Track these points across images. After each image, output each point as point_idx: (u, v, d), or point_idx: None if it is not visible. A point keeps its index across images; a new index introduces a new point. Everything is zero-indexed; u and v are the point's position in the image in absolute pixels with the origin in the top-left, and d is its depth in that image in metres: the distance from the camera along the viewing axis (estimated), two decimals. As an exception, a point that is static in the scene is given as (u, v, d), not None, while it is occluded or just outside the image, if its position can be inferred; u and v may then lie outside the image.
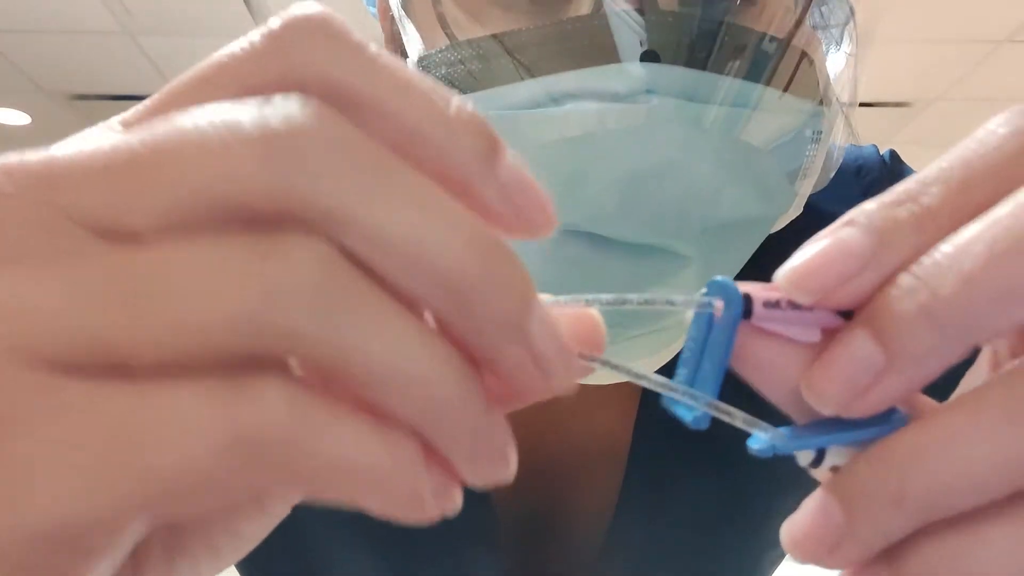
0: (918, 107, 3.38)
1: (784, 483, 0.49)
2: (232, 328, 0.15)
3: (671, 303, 0.20)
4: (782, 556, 0.56)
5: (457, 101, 0.18)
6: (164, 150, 0.16)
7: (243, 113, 0.16)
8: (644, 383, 0.20)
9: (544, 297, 0.19)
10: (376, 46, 0.18)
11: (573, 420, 0.49)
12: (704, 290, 0.20)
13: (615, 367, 0.20)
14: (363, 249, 0.16)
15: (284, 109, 0.16)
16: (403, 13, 0.39)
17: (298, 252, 0.15)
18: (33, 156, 0.16)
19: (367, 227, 0.16)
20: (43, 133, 3.59)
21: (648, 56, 0.31)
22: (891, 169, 0.50)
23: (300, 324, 0.15)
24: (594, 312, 0.20)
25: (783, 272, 0.20)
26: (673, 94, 0.32)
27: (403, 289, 0.17)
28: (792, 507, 0.54)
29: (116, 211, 0.16)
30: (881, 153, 0.51)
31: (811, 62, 0.36)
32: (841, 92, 0.39)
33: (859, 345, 0.19)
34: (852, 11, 0.40)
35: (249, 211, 0.16)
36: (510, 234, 0.19)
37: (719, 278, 0.20)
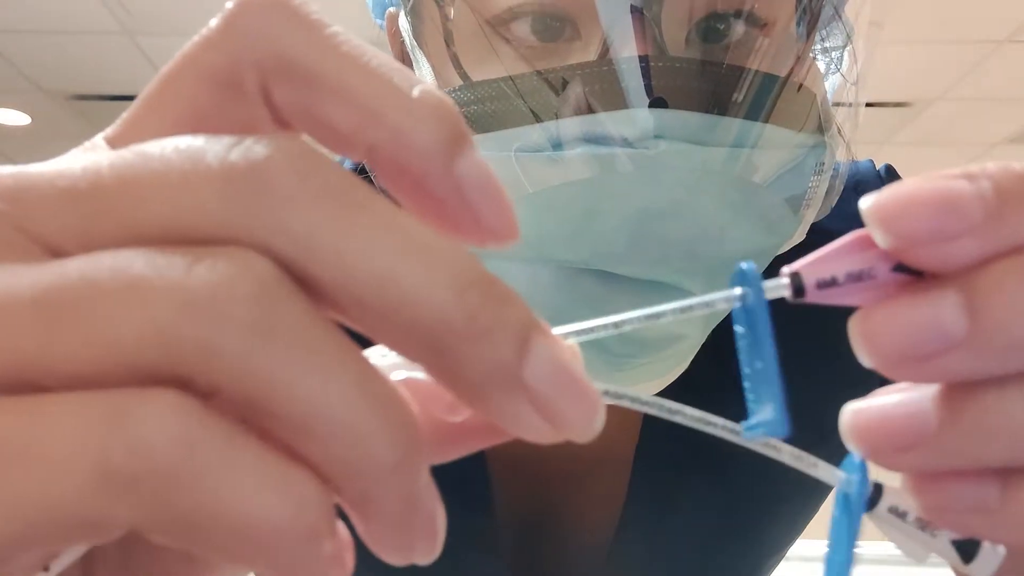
0: (918, 107, 3.38)
1: (785, 491, 0.49)
2: (143, 341, 0.14)
3: (707, 305, 0.18)
4: (779, 560, 0.56)
5: (423, 85, 0.17)
6: (126, 178, 0.15)
7: (209, 145, 0.15)
8: (650, 410, 0.19)
9: (558, 330, 0.18)
10: (337, 26, 0.18)
11: None
12: (738, 289, 0.18)
13: (621, 396, 0.18)
14: (328, 290, 0.15)
15: (250, 143, 0.15)
16: (415, 44, 0.39)
17: (229, 265, 0.14)
18: (5, 170, 0.16)
19: (331, 267, 0.15)
20: (43, 133, 3.59)
21: (656, 103, 0.32)
22: (887, 184, 0.49)
23: (216, 341, 0.14)
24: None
25: (869, 200, 0.17)
26: (680, 138, 0.32)
27: (376, 337, 0.16)
28: (791, 514, 0.54)
29: (71, 234, 0.15)
30: (877, 168, 0.51)
31: (812, 95, 0.36)
32: (842, 101, 0.39)
33: (945, 306, 0.16)
34: (850, 36, 0.40)
35: (207, 243, 0.15)
36: (464, 239, 0.17)
37: (744, 266, 0.18)
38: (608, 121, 0.32)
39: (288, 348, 0.14)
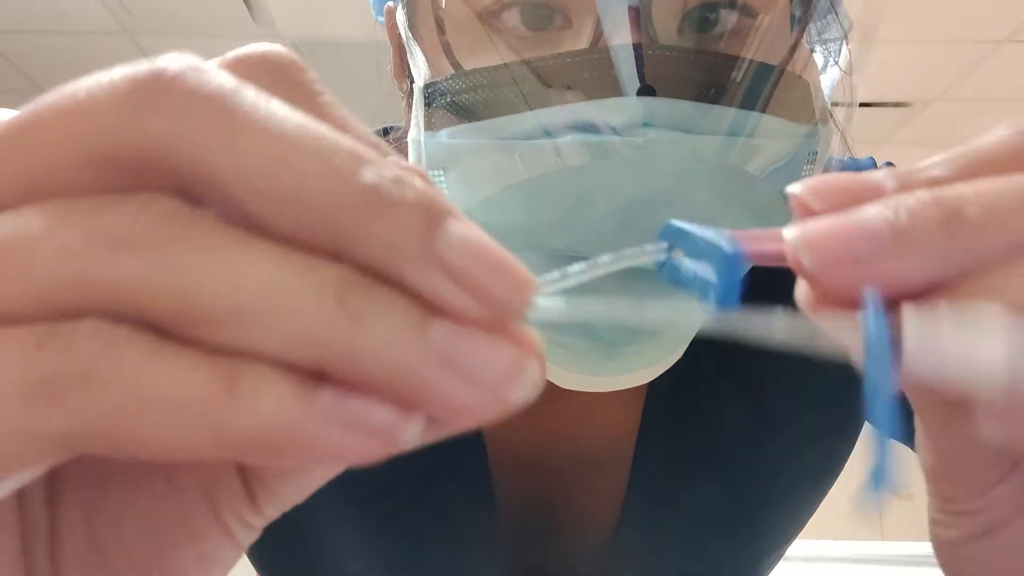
0: (918, 107, 3.38)
1: (785, 487, 0.49)
2: (58, 276, 0.15)
3: (642, 252, 0.19)
4: (779, 557, 0.56)
5: (373, 165, 0.16)
6: (34, 120, 0.16)
7: (112, 75, 0.17)
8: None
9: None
10: (279, 106, 0.16)
11: (577, 424, 0.49)
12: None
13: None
14: (229, 189, 0.15)
15: (152, 64, 0.16)
16: (410, 35, 0.40)
17: (131, 204, 0.15)
18: None
19: (226, 163, 0.15)
20: (43, 133, 3.58)
21: (644, 90, 0.32)
22: None
23: (125, 266, 0.15)
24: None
25: (795, 231, 0.19)
26: (669, 126, 0.33)
27: (282, 228, 0.16)
28: (791, 511, 0.54)
29: None
30: (878, 165, 0.51)
31: (806, 85, 0.36)
32: (840, 97, 0.39)
33: (872, 215, 0.18)
34: (848, 27, 0.41)
35: (116, 166, 0.16)
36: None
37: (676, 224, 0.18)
38: (598, 109, 0.33)
39: (197, 258, 0.15)
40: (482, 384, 0.16)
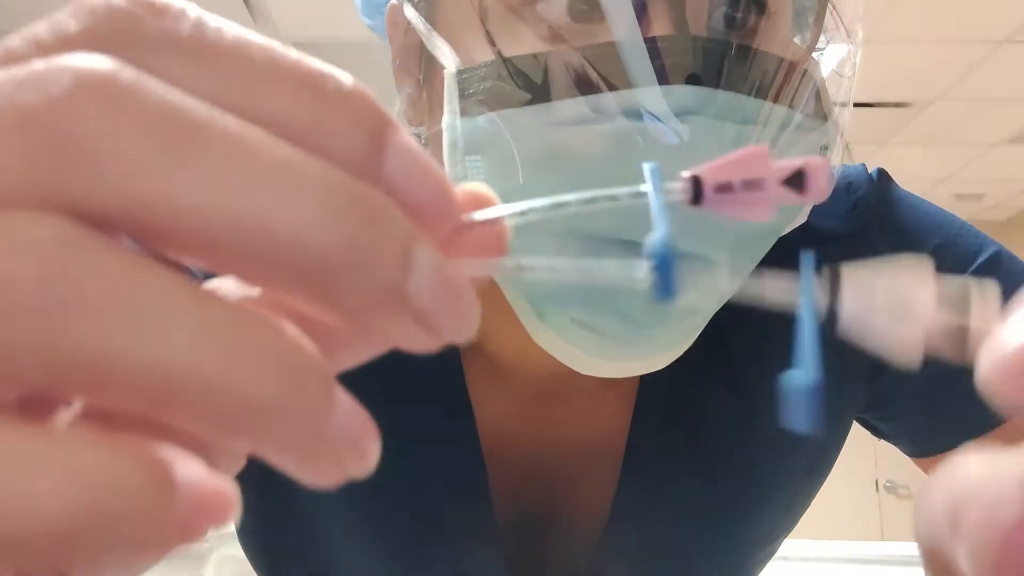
0: (918, 107, 3.38)
1: (776, 481, 0.50)
2: None
3: (612, 198, 0.19)
4: (772, 552, 0.56)
5: (317, 71, 0.15)
6: None
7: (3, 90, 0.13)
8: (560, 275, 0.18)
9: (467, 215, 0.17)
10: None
11: (571, 418, 0.50)
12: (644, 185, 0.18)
13: (522, 269, 0.17)
14: (173, 237, 0.13)
15: (44, 72, 0.13)
16: (431, 28, 0.40)
17: (21, 236, 0.12)
18: None
19: (168, 212, 0.13)
20: (43, 133, 3.58)
21: (691, 79, 0.34)
22: (880, 187, 0.51)
23: (17, 330, 0.12)
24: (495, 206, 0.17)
25: (991, 362, 0.15)
26: (711, 115, 0.34)
27: (244, 279, 0.14)
28: (782, 505, 0.55)
29: None
30: (870, 171, 0.52)
31: (821, 82, 0.38)
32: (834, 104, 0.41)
33: None
34: (850, 32, 0.42)
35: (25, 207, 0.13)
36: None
37: (648, 166, 0.18)
38: (644, 96, 0.33)
39: (96, 315, 0.12)
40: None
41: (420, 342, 0.16)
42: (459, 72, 0.37)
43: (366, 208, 0.14)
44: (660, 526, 0.50)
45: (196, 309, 0.13)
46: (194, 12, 0.15)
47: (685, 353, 0.42)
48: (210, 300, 0.13)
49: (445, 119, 0.37)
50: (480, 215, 0.17)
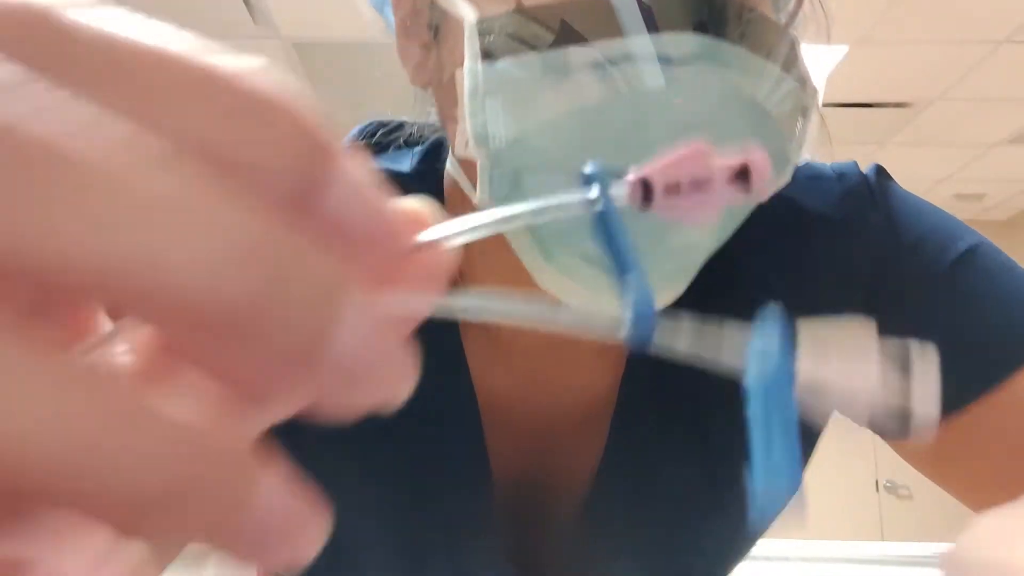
0: (918, 107, 3.38)
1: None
2: None
3: (560, 208, 0.17)
4: (756, 537, 0.57)
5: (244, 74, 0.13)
6: None
7: None
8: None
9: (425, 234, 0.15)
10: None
11: (564, 383, 0.51)
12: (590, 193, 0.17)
13: (461, 310, 0.16)
14: (55, 282, 0.11)
15: None
16: None
17: None
18: None
19: (53, 262, 0.11)
20: (43, 134, 3.58)
21: (698, 27, 0.36)
22: (876, 180, 0.52)
23: None
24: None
25: None
26: (715, 62, 0.36)
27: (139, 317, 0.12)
28: None
29: None
30: (867, 169, 0.53)
31: (799, 46, 0.41)
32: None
33: None
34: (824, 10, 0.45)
35: None
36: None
37: (588, 169, 0.17)
38: (656, 42, 0.36)
39: None
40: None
41: (341, 409, 0.14)
42: (480, 20, 0.38)
43: (277, 254, 0.12)
44: (647, 491, 0.51)
45: (54, 389, 0.11)
46: (104, 13, 0.13)
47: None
48: (81, 376, 0.11)
49: (467, 65, 0.38)
50: (425, 236, 0.16)
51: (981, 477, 0.47)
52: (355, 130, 0.54)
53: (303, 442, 0.40)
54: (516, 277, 0.41)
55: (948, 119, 3.46)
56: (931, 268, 0.48)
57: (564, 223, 0.37)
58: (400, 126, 0.54)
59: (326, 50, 2.90)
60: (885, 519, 5.10)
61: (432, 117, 0.49)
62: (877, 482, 5.00)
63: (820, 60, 3.01)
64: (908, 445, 0.50)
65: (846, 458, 5.08)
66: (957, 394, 0.46)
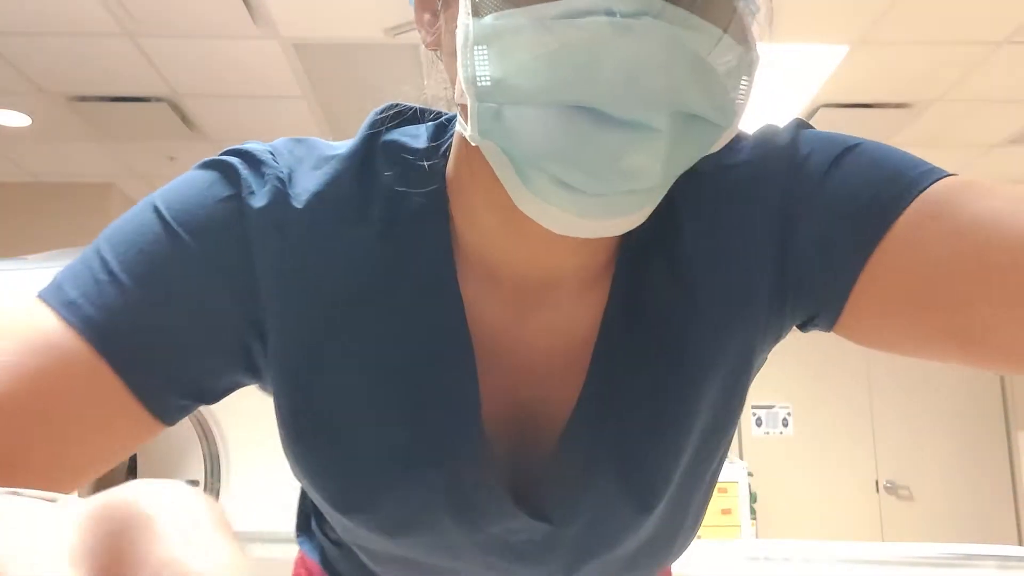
0: (918, 108, 3.38)
1: (711, 373, 0.56)
2: None
3: None
4: (718, 471, 0.62)
5: None
6: None
7: None
8: None
9: None
10: None
11: (552, 318, 0.56)
12: None
13: None
14: None
15: None
16: None
17: None
18: None
19: None
20: (43, 134, 3.59)
21: None
22: (791, 128, 0.56)
23: None
24: None
25: None
26: (660, 17, 0.43)
27: None
28: (715, 406, 0.57)
29: None
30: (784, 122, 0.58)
31: (745, 20, 0.47)
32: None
33: None
34: None
35: None
36: None
37: None
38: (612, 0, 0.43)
39: None
40: None
41: None
42: None
43: None
44: (623, 413, 0.56)
45: None
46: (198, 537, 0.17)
47: (650, 261, 0.54)
48: None
49: (460, 20, 0.46)
50: None
51: (933, 309, 0.49)
52: (372, 113, 0.58)
53: (320, 365, 0.52)
54: (504, 200, 0.47)
55: (948, 120, 3.47)
56: (820, 167, 0.53)
57: (539, 148, 0.44)
58: (413, 111, 0.59)
59: (326, 50, 2.90)
60: (885, 519, 5.09)
61: (444, 89, 0.55)
62: (877, 482, 4.98)
63: (820, 60, 3.01)
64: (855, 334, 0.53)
65: (846, 458, 5.06)
66: (855, 251, 0.50)
